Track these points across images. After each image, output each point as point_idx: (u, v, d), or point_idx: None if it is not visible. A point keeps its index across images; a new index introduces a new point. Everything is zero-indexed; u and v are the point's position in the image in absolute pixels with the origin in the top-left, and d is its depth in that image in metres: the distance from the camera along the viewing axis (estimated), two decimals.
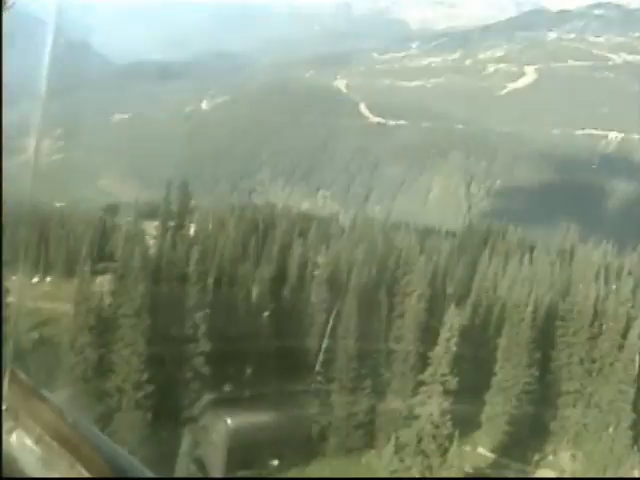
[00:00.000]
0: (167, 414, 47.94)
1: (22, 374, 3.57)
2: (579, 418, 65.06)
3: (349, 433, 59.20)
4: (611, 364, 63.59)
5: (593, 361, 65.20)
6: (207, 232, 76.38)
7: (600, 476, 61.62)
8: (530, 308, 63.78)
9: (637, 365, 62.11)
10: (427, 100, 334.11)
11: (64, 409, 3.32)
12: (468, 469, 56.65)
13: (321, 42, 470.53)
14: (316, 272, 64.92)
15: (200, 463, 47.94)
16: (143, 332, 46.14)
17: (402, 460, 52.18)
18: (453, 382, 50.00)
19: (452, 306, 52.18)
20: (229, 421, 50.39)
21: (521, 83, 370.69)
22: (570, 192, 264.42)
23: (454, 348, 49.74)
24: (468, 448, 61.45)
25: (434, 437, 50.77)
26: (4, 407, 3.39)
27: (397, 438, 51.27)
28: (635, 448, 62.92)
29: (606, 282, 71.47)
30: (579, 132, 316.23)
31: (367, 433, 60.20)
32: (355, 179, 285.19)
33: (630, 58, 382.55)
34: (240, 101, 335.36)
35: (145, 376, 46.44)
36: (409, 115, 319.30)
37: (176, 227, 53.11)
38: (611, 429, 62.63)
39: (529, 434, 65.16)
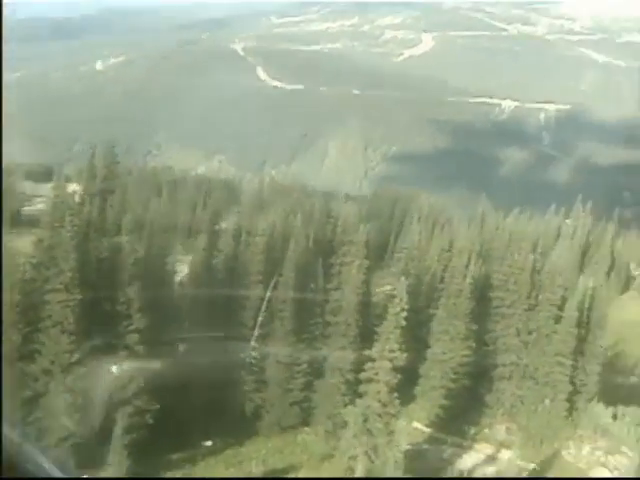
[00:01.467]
0: (98, 397, 43.82)
1: None
2: (515, 390, 63.95)
3: (285, 411, 56.39)
4: (547, 336, 62.46)
5: (529, 333, 63.98)
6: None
7: (538, 449, 60.80)
8: (468, 280, 62.04)
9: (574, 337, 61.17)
10: (324, 65, 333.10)
11: None
12: (405, 445, 54.52)
13: (218, 5, 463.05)
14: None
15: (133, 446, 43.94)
16: (73, 309, 41.84)
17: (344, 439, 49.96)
18: (402, 358, 47.48)
19: (402, 278, 49.62)
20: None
21: (418, 50, 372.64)
22: (464, 159, 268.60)
23: (403, 323, 47.09)
24: (403, 423, 59.39)
25: (380, 415, 48.43)
26: None
27: (349, 419, 48.62)
28: (571, 420, 62.39)
29: (541, 252, 70.05)
30: (474, 100, 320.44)
31: (302, 410, 57.57)
32: (252, 143, 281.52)
33: (525, 29, 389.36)
34: (136, 62, 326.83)
35: (75, 357, 42.14)
36: (306, 80, 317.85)
37: (102, 192, 48.77)
38: (547, 401, 61.75)
39: (465, 407, 63.73)
